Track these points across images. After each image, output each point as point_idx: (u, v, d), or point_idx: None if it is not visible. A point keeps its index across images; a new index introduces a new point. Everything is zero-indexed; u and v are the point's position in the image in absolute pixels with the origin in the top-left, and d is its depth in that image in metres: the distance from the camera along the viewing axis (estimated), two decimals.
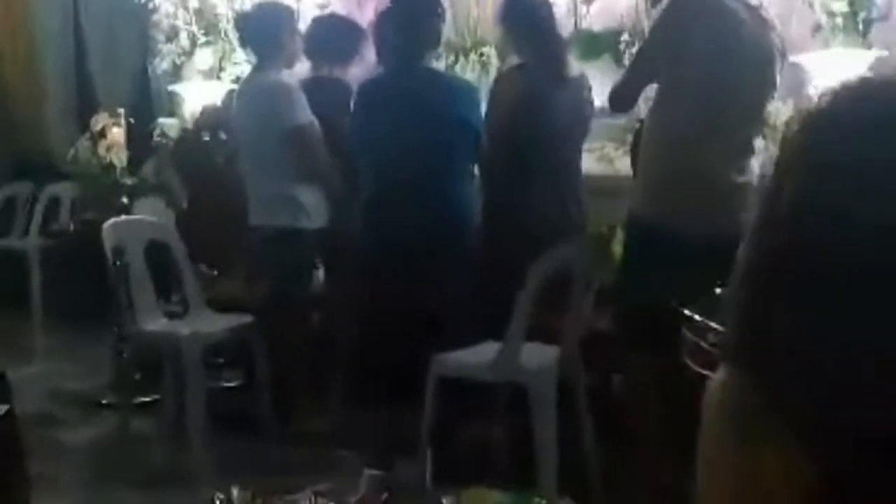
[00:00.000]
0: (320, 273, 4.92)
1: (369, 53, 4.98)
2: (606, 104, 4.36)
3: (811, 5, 4.46)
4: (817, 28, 4.37)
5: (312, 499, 2.17)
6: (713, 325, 2.44)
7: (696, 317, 2.57)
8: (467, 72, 5.26)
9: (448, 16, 5.15)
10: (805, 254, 0.78)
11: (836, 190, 0.79)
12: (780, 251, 0.79)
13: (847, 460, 0.76)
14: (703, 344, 2.44)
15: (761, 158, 4.25)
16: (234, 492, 2.19)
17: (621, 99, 3.82)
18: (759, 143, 4.22)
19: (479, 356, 4.01)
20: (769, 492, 0.80)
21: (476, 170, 4.42)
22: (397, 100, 4.32)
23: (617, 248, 3.95)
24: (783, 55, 3.76)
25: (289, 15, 4.95)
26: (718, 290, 2.71)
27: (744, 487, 0.82)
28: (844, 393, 0.76)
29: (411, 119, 4.26)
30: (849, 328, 0.76)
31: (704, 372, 2.22)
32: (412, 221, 4.24)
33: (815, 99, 0.83)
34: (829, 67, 4.33)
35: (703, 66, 3.58)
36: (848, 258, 0.77)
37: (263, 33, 4.80)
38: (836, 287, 0.77)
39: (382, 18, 4.53)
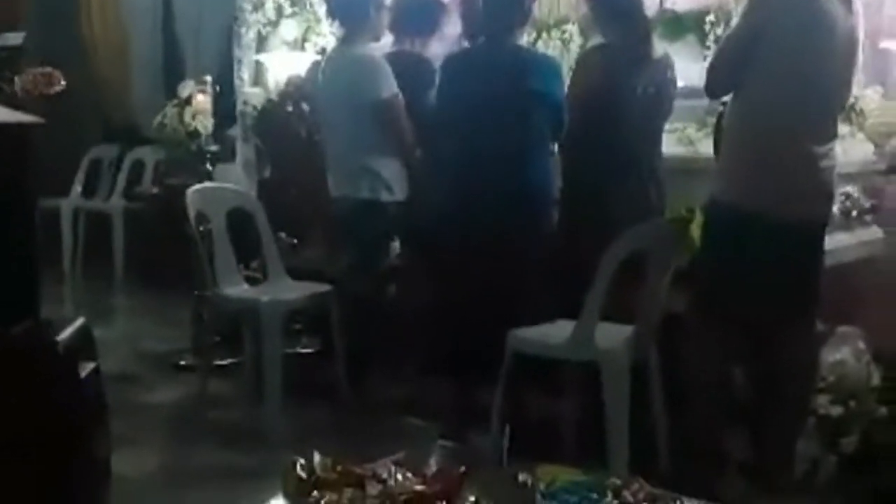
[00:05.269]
0: (397, 244, 4.96)
1: (448, 28, 5.01)
2: (689, 85, 4.37)
3: None
4: None
5: (391, 468, 2.21)
6: None
7: None
8: (549, 49, 5.23)
9: None
10: None
11: None
12: None
13: None
14: None
15: (847, 143, 4.23)
16: (316, 457, 2.23)
17: (718, 85, 3.78)
18: (844, 128, 4.20)
19: (554, 333, 4.02)
20: None
21: (556, 146, 4.44)
22: (481, 74, 4.35)
23: (696, 231, 3.93)
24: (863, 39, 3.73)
25: None
26: None
27: None
28: None
29: (493, 93, 4.29)
30: None
31: None
32: (489, 194, 4.28)
33: None
34: None
35: (788, 48, 3.58)
36: None
37: (351, 6, 4.83)
38: None
39: None
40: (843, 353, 4.14)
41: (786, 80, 3.59)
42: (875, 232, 4.48)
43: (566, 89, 4.40)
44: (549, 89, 4.33)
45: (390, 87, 4.66)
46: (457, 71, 4.47)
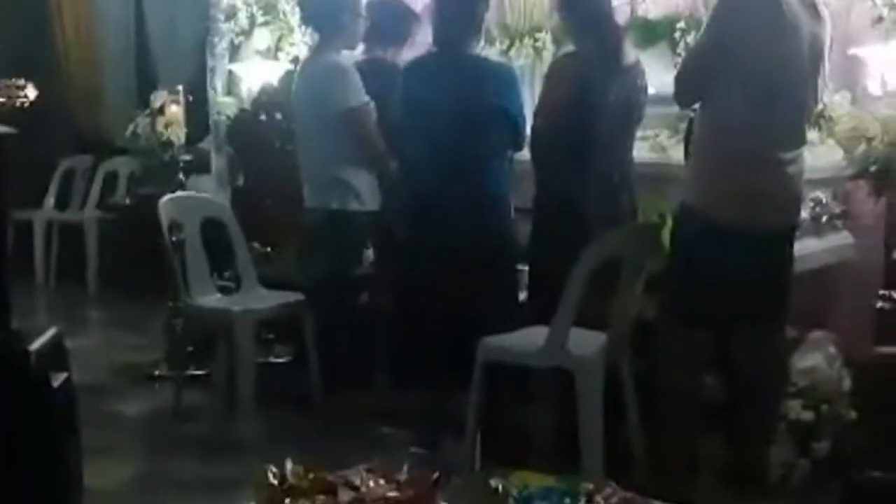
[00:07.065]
0: (370, 253, 4.96)
1: (421, 37, 5.01)
2: (661, 92, 4.38)
3: None
4: (879, 20, 4.32)
5: (363, 475, 2.21)
6: None
7: None
8: (521, 57, 5.24)
9: (504, 0, 5.19)
10: None
11: None
12: None
13: None
14: None
15: (817, 149, 4.26)
16: (288, 465, 2.22)
17: (686, 94, 3.80)
18: (814, 134, 4.23)
19: (526, 341, 4.02)
20: None
21: (514, 154, 4.46)
22: (434, 83, 4.37)
23: (667, 237, 3.95)
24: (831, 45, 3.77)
25: None
26: None
27: None
28: None
29: (445, 102, 4.31)
30: None
31: None
32: (447, 203, 4.31)
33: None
34: (889, 60, 4.29)
35: (754, 57, 3.59)
36: None
37: (325, 12, 4.79)
38: None
39: (433, 3, 4.56)
40: (815, 358, 4.17)
41: (752, 88, 3.60)
42: (845, 237, 4.51)
43: (522, 99, 4.43)
44: (503, 99, 4.36)
45: (358, 95, 4.64)
46: (413, 80, 4.48)
